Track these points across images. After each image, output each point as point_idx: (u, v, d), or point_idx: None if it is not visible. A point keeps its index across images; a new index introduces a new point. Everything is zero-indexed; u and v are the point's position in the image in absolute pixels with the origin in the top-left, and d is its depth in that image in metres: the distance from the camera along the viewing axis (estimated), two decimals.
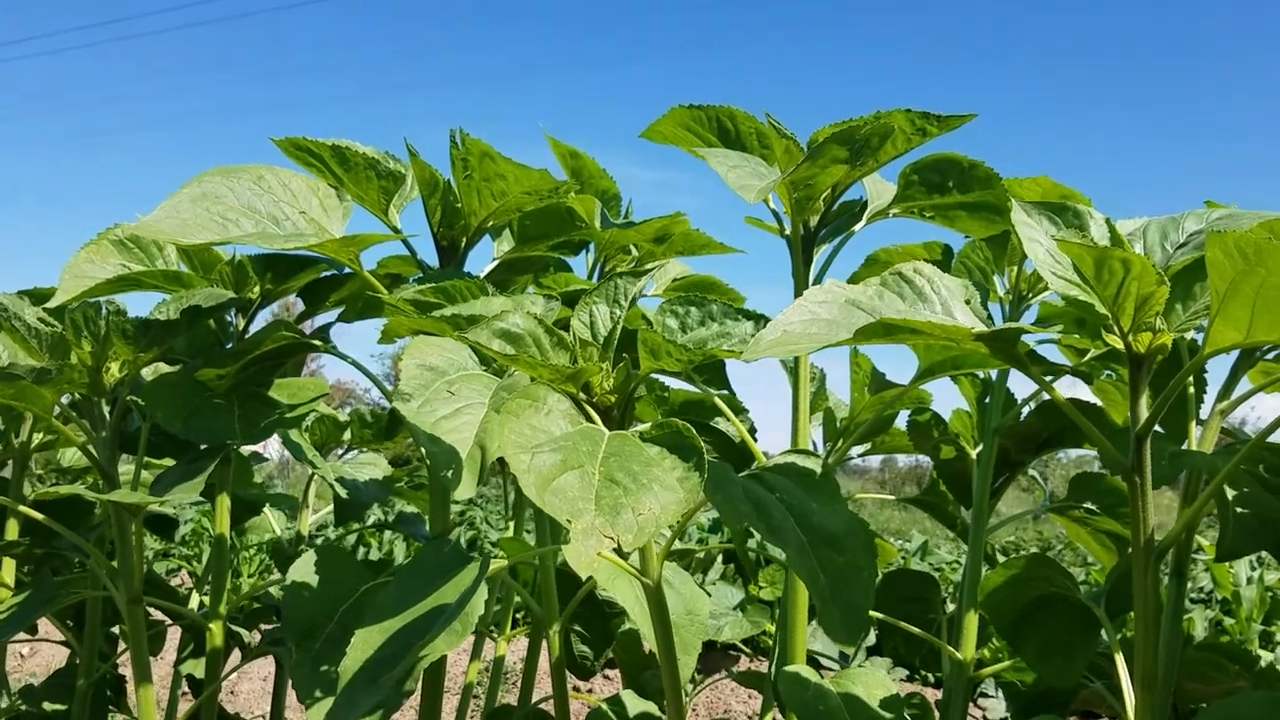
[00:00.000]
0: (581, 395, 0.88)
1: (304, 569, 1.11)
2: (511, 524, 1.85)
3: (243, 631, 1.68)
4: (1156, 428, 1.16)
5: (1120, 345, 0.74)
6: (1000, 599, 1.06)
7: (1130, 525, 0.79)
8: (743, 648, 4.10)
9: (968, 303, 0.78)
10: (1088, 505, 1.42)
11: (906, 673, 3.46)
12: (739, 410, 1.43)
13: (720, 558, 4.65)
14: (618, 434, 0.81)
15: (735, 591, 3.61)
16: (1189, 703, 1.20)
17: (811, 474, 0.92)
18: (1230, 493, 0.91)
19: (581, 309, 0.90)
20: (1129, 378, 0.76)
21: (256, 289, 1.43)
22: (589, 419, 0.85)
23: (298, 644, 1.07)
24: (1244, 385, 1.12)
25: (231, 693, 3.42)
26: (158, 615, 1.96)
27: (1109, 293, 0.69)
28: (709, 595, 2.15)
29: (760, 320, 0.88)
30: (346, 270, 1.39)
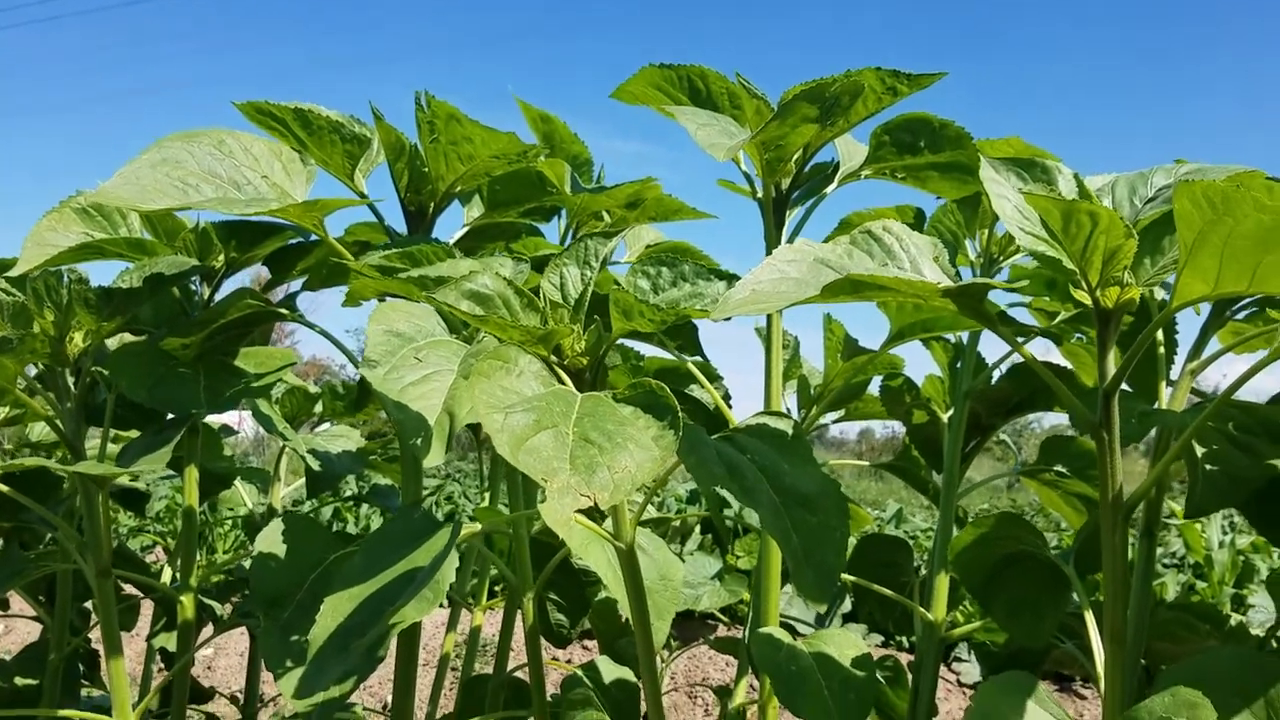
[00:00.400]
0: (553, 358, 0.87)
1: (271, 538, 1.10)
2: (487, 496, 1.85)
3: (215, 605, 1.67)
4: (1127, 388, 1.17)
5: (1088, 301, 0.74)
6: (970, 558, 1.07)
7: (1099, 482, 0.79)
8: (721, 617, 4.12)
9: (936, 260, 0.78)
10: (1058, 468, 1.43)
11: (881, 639, 3.49)
12: (713, 377, 1.42)
13: (698, 528, 4.67)
14: (591, 395, 0.80)
15: (713, 561, 3.63)
16: (1160, 662, 1.21)
17: (784, 435, 0.92)
18: (1200, 450, 0.92)
19: (552, 271, 0.89)
20: (1097, 334, 0.76)
21: (221, 257, 1.41)
22: (560, 382, 0.84)
23: (266, 613, 1.06)
24: (1214, 346, 1.12)
25: (209, 668, 3.40)
26: (132, 591, 1.95)
27: (1076, 247, 0.69)
28: (686, 565, 2.16)
29: (732, 280, 0.87)
30: (313, 238, 1.37)
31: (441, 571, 1.03)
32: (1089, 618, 0.86)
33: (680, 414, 0.78)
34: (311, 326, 1.37)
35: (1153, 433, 1.08)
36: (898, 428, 1.61)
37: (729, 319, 0.79)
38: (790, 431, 0.92)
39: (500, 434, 0.70)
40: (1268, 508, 0.91)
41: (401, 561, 0.88)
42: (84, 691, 1.88)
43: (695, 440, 0.86)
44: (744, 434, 0.91)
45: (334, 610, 0.85)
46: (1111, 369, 0.76)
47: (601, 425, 0.75)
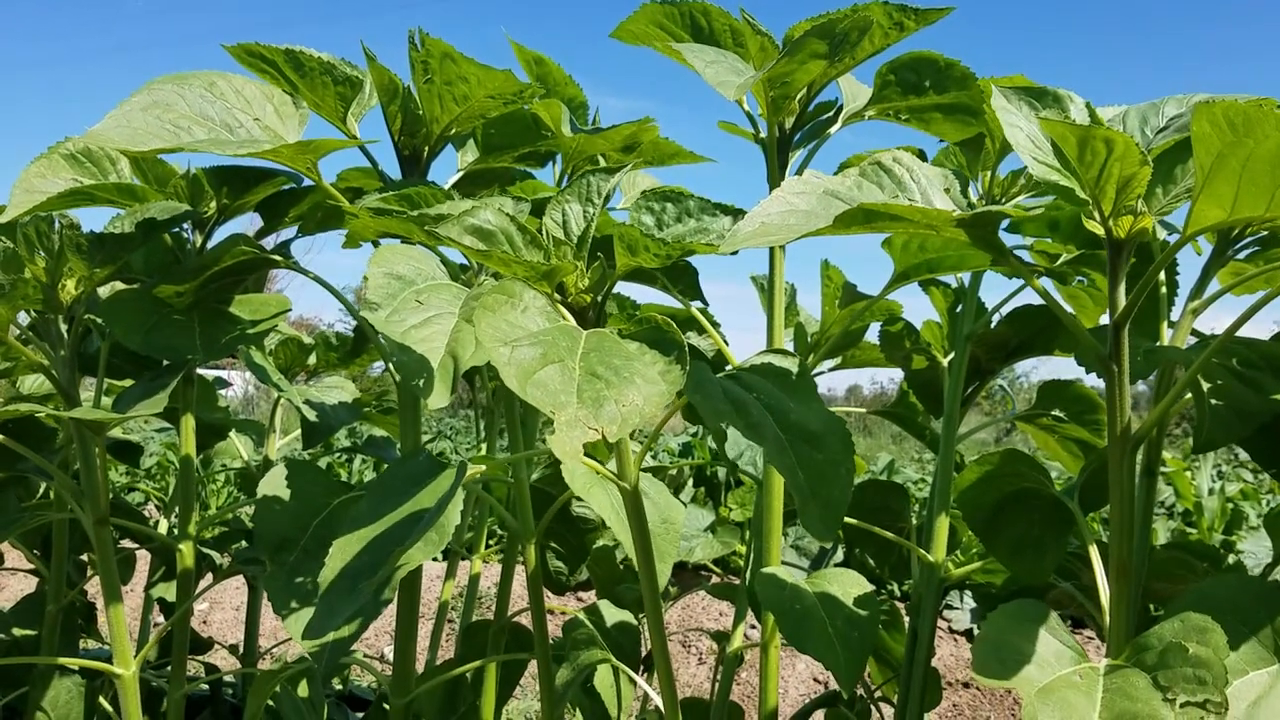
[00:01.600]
0: (556, 296, 0.86)
1: (275, 482, 1.09)
2: (483, 448, 1.84)
3: (214, 554, 1.67)
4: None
5: (1100, 231, 0.74)
6: (974, 495, 1.07)
7: (1107, 415, 0.79)
8: (714, 568, 4.16)
9: (947, 192, 0.77)
10: (1056, 413, 1.43)
11: (874, 588, 3.53)
12: (714, 324, 1.42)
13: (691, 482, 4.70)
14: (596, 331, 0.80)
15: (706, 514, 3.66)
16: (1158, 603, 1.22)
17: (789, 373, 0.91)
18: (1205, 386, 0.92)
19: (554, 208, 0.88)
20: (1109, 264, 0.75)
21: (213, 204, 1.39)
22: (564, 320, 0.84)
23: (271, 557, 1.06)
24: (1214, 287, 1.12)
25: (204, 622, 3.42)
26: (127, 546, 1.94)
27: (1091, 175, 0.68)
28: None
29: (738, 215, 0.86)
30: (306, 183, 1.35)
31: (448, 512, 1.03)
32: (1093, 552, 0.86)
33: (686, 349, 0.77)
34: (305, 273, 1.36)
35: (1152, 379, 1.08)
36: (886, 383, 1.62)
37: (736, 253, 0.78)
38: (795, 370, 0.91)
39: (508, 367, 0.70)
40: (1273, 442, 0.92)
41: (408, 503, 0.88)
42: (82, 644, 1.89)
43: (701, 378, 0.85)
44: (749, 372, 0.91)
45: (343, 552, 0.85)
46: (1122, 301, 0.76)
47: (608, 360, 0.75)
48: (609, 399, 0.71)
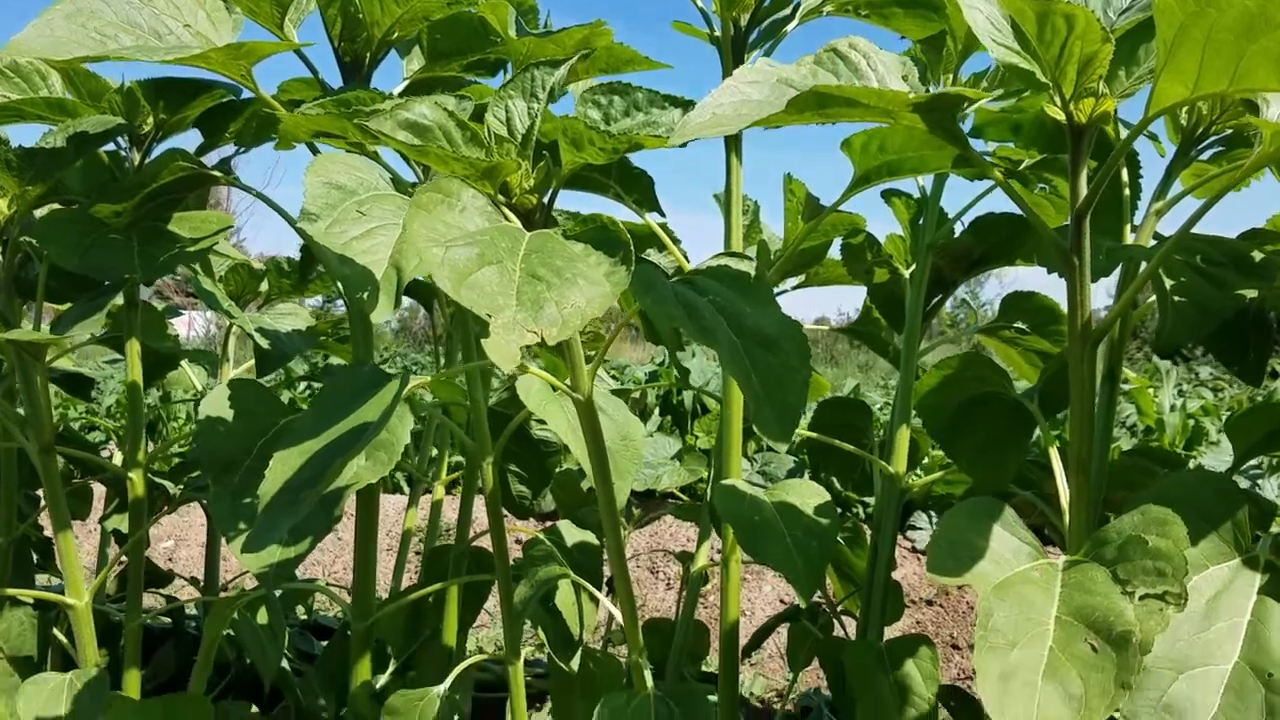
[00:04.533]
0: (500, 198, 0.83)
1: (217, 403, 1.06)
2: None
3: (168, 485, 1.64)
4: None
5: (1061, 116, 0.71)
6: (935, 401, 1.06)
7: (1068, 311, 0.77)
8: (681, 496, 4.17)
9: (905, 79, 0.73)
10: (1018, 325, 1.42)
11: (832, 497, 3.55)
12: (676, 241, 1.38)
13: (657, 410, 4.69)
14: (540, 232, 0.76)
15: (673, 442, 3.66)
16: (1118, 512, 1.22)
17: (745, 276, 0.88)
18: (1168, 283, 0.90)
19: (496, 104, 0.84)
20: (1070, 151, 0.73)
21: (150, 119, 1.33)
22: (507, 222, 0.80)
23: (215, 479, 1.03)
24: (1178, 188, 1.10)
25: (170, 560, 3.40)
26: (86, 482, 1.90)
27: (1051, 54, 0.65)
28: (646, 445, 2.16)
29: (688, 106, 0.83)
30: (245, 94, 1.29)
31: (394, 428, 1.01)
32: (1053, 454, 0.85)
33: (633, 249, 0.74)
34: (246, 189, 1.31)
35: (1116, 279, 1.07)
36: (853, 314, 1.59)
37: (685, 145, 0.74)
38: (751, 273, 0.89)
39: (441, 268, 0.67)
40: (1233, 340, 0.90)
41: (351, 416, 0.85)
42: (47, 581, 1.86)
43: (650, 280, 0.83)
44: (703, 275, 0.88)
45: (283, 464, 0.82)
46: (1083, 190, 0.74)
47: (550, 261, 0.72)
48: (549, 301, 0.68)
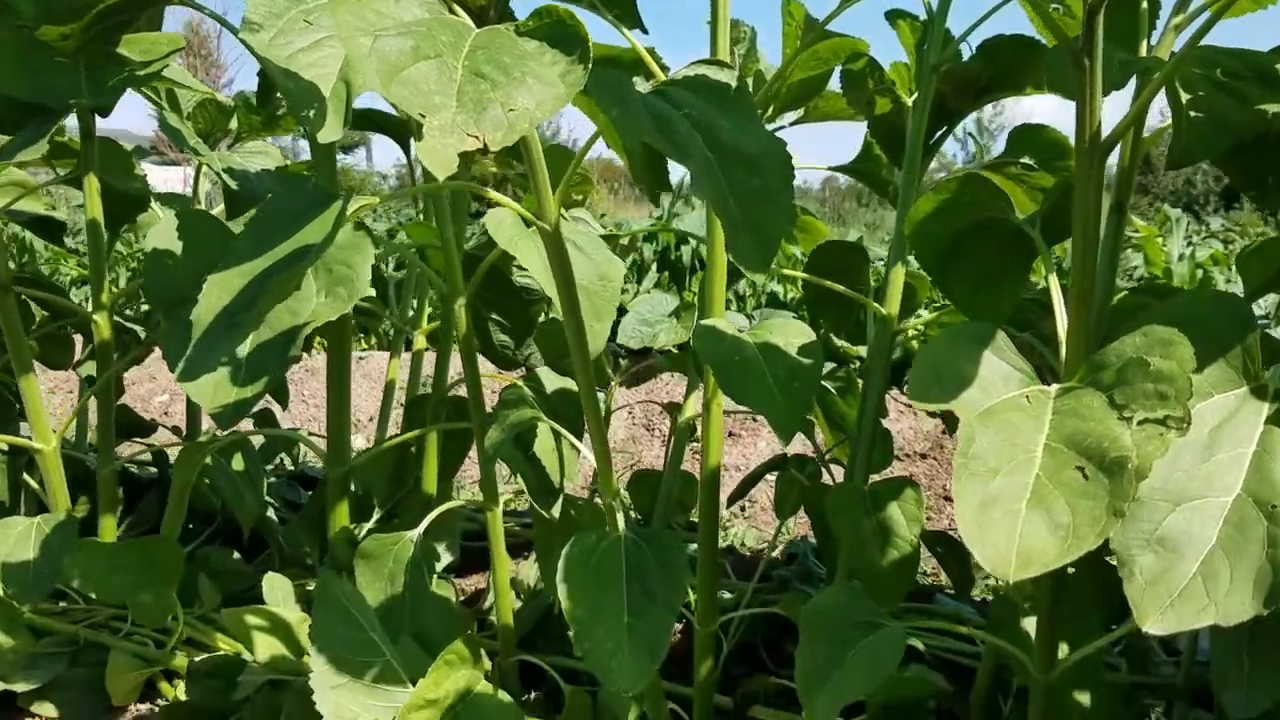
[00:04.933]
0: None
1: (164, 234, 1.00)
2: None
3: (138, 329, 1.59)
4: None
5: None
6: (930, 228, 0.98)
7: (1076, 117, 0.69)
8: (678, 354, 4.14)
9: None
10: (1025, 160, 1.33)
11: (835, 364, 3.52)
12: (664, 68, 1.29)
13: (654, 266, 4.62)
14: (489, 28, 0.68)
15: (670, 299, 3.61)
16: None
17: (725, 88, 0.80)
18: (1185, 97, 0.82)
19: None
20: None
21: None
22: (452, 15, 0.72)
23: (166, 314, 0.97)
24: (1199, 1, 1.01)
25: (165, 413, 3.39)
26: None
27: None
28: (643, 302, 2.09)
29: None
30: None
31: (352, 261, 0.94)
32: (1052, 282, 0.79)
33: (590, 46, 0.66)
34: (199, 8, 1.21)
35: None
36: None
37: None
38: (732, 84, 0.80)
39: (368, 59, 0.59)
40: (1253, 160, 0.83)
41: (292, 238, 0.78)
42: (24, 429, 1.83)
43: (619, 90, 0.75)
44: (678, 86, 0.80)
45: (219, 288, 0.76)
46: None
47: (497, 59, 0.64)
48: (494, 101, 0.61)
